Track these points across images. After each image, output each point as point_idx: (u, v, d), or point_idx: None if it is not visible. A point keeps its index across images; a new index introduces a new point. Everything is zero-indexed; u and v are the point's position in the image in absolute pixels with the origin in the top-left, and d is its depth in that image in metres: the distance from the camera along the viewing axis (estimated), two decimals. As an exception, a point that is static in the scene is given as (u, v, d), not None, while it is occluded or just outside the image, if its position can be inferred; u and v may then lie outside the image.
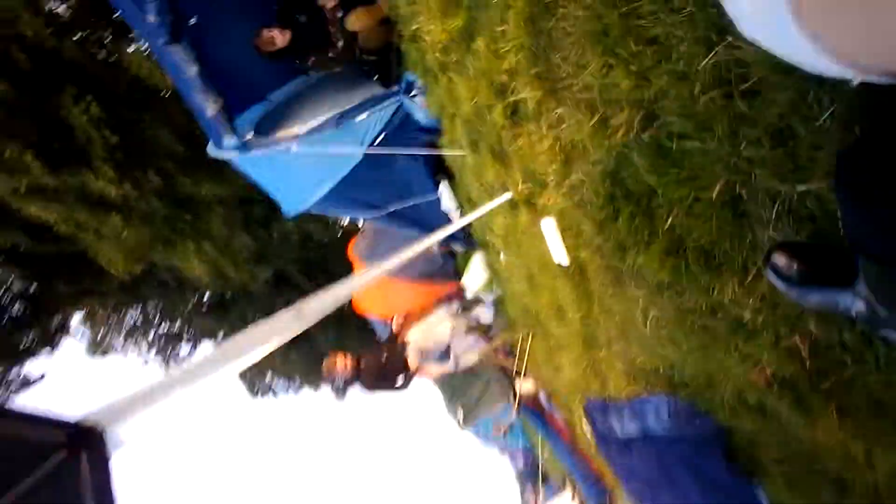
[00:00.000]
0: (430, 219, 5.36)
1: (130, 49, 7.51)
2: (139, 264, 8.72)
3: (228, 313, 15.48)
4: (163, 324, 16.54)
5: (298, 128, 4.60)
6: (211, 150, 4.64)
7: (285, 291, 13.72)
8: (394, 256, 2.31)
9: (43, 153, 6.55)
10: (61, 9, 6.84)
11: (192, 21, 4.15)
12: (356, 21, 4.08)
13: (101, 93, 6.63)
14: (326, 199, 5.04)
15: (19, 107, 5.94)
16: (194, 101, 4.40)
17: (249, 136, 4.61)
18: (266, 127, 4.75)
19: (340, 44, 4.42)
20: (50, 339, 11.67)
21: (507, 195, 3.12)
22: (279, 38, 4.47)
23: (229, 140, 4.55)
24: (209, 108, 4.47)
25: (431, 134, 4.38)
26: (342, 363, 4.88)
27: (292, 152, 4.47)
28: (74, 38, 6.55)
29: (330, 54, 4.55)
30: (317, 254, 13.51)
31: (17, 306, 10.75)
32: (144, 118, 7.08)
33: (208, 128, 4.51)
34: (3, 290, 10.44)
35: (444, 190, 5.03)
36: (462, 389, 5.54)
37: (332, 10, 4.29)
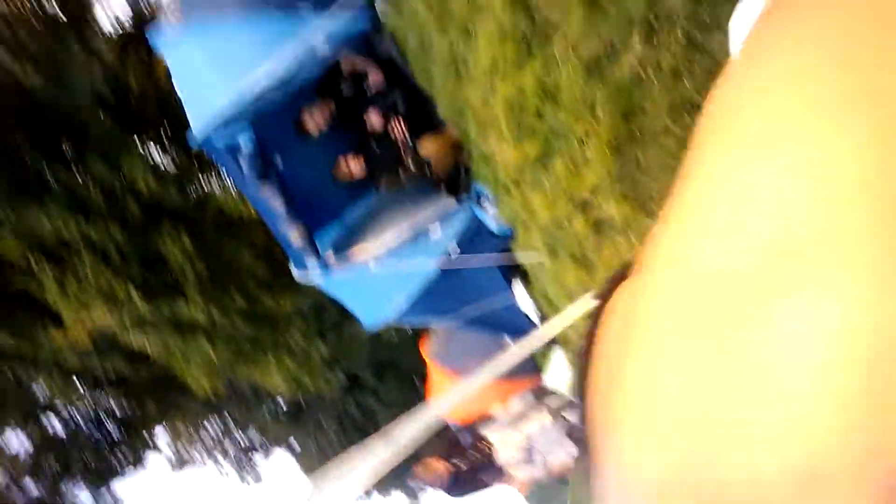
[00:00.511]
0: (506, 319, 5.36)
1: (216, 184, 8.28)
2: (223, 383, 9.07)
3: (303, 420, 15.57)
4: (239, 434, 16.80)
5: (375, 246, 4.81)
6: (295, 272, 4.92)
7: (357, 394, 13.74)
8: (484, 367, 2.29)
9: (143, 287, 7.13)
10: (168, 163, 7.74)
11: (278, 161, 4.55)
12: (427, 147, 4.34)
13: (192, 225, 7.28)
14: (409, 312, 5.15)
15: (128, 248, 6.62)
16: (279, 230, 4.74)
17: (330, 257, 4.86)
18: (343, 244, 4.99)
19: (412, 166, 4.68)
20: (139, 458, 12.03)
21: (596, 302, 3.09)
22: (356, 170, 4.78)
23: (312, 263, 4.83)
24: (293, 236, 4.80)
25: (504, 240, 4.48)
26: (442, 468, 4.73)
27: (372, 271, 4.66)
28: (176, 186, 7.37)
29: (401, 175, 4.81)
30: (388, 354, 13.58)
31: (110, 428, 11.27)
32: (229, 244, 7.64)
33: (291, 253, 4.81)
34: (100, 414, 11.03)
35: (520, 291, 5.06)
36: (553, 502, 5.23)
37: (402, 138, 4.58)
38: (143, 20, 7.63)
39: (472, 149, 3.95)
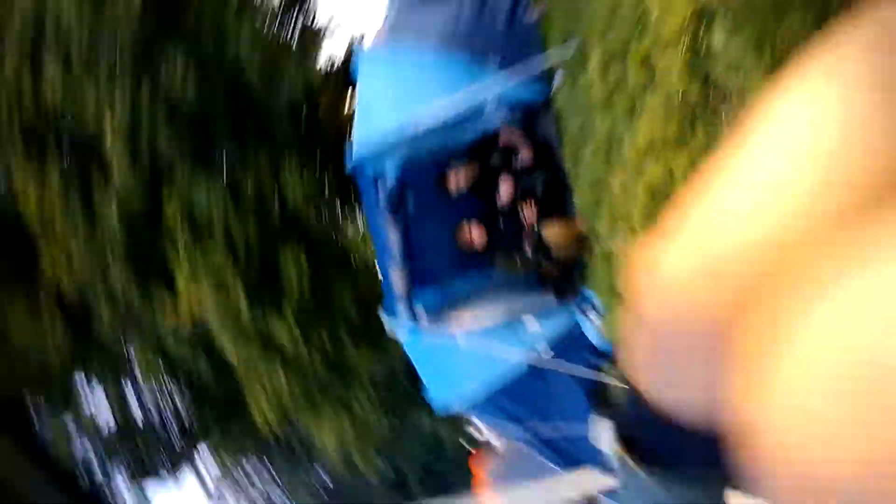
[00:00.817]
0: (580, 455, 4.77)
1: (350, 221, 8.80)
2: (284, 422, 9.01)
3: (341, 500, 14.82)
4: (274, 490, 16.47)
5: (468, 320, 4.64)
6: (384, 317, 4.86)
7: (397, 495, 12.85)
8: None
9: (250, 289, 7.55)
10: (319, 187, 8.49)
11: (411, 205, 4.70)
12: (552, 232, 4.23)
13: (314, 250, 7.72)
14: (479, 403, 4.84)
15: (254, 247, 7.19)
16: (387, 270, 4.81)
17: (421, 315, 4.76)
18: (438, 307, 4.88)
19: (529, 250, 4.56)
20: (178, 467, 12.03)
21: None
22: (477, 239, 4.79)
23: (403, 313, 4.76)
24: (397, 280, 4.83)
25: (602, 358, 4.07)
26: None
27: (458, 344, 4.46)
28: (317, 209, 8.04)
29: (517, 258, 4.70)
30: (440, 464, 12.73)
31: (167, 427, 11.53)
32: (338, 279, 7.94)
33: (388, 296, 4.81)
34: (166, 410, 11.40)
35: (603, 428, 4.49)
36: None
37: (530, 221, 4.52)
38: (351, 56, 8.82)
39: (597, 246, 3.75)
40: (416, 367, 4.91)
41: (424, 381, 4.86)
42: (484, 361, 4.43)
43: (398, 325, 4.77)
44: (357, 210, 8.80)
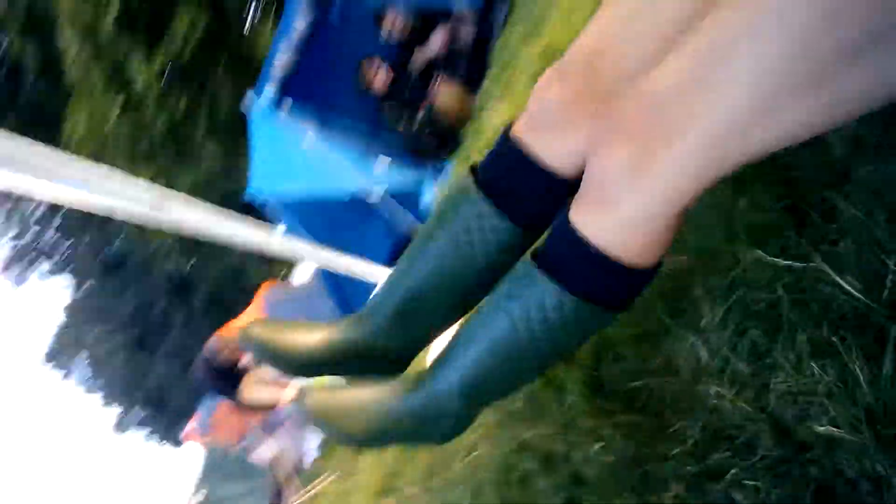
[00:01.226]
0: (353, 299, 4.97)
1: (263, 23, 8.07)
2: (94, 153, 8.09)
3: (115, 273, 13.97)
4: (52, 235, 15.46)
5: (327, 132, 4.60)
6: (249, 96, 4.65)
7: (175, 296, 12.37)
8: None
9: (129, 17, 6.67)
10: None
11: (335, 14, 4.53)
12: (444, 93, 4.32)
13: (215, 28, 6.99)
14: (290, 206, 4.83)
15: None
16: (278, 46, 4.60)
17: (286, 105, 4.59)
18: (305, 112, 4.76)
19: (419, 117, 4.61)
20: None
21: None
22: (379, 82, 4.72)
23: (268, 96, 4.58)
24: (281, 63, 4.64)
25: (422, 221, 4.28)
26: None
27: (304, 144, 4.41)
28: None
29: (405, 119, 4.72)
30: (235, 281, 12.36)
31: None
32: (223, 70, 7.32)
33: (265, 73, 4.61)
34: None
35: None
36: (225, 478, 4.48)
37: (433, 96, 4.54)
38: None
39: (477, 116, 3.92)
40: (252, 147, 4.79)
41: (253, 163, 4.77)
42: (318, 169, 4.44)
43: (256, 104, 4.60)
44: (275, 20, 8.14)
